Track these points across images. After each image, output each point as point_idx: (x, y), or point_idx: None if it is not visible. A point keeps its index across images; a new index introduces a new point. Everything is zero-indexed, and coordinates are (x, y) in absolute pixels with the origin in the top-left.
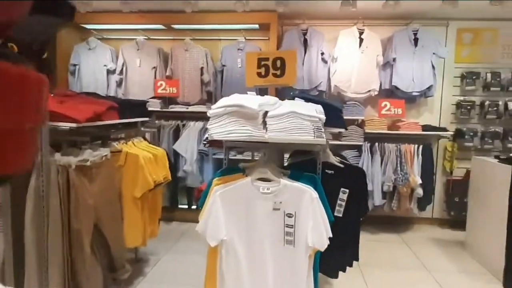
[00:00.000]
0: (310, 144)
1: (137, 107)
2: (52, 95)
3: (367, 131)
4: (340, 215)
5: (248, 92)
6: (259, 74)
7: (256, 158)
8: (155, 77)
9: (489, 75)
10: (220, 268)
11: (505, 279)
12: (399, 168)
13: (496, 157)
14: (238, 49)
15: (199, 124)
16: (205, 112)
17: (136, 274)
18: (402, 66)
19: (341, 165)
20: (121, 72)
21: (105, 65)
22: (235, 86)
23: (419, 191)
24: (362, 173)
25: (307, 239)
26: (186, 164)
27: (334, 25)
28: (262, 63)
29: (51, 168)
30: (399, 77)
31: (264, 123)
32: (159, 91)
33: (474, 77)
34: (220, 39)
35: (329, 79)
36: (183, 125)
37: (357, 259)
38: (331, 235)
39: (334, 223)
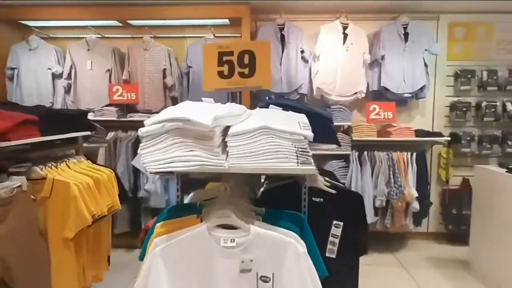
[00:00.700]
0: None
1: (73, 119)
2: None
3: (354, 138)
4: (333, 256)
5: (203, 99)
6: (220, 74)
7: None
8: (109, 82)
9: (485, 74)
10: None
11: None
12: (392, 180)
13: (502, 165)
14: None
15: None
16: None
17: None
18: (392, 65)
19: (332, 191)
20: (69, 76)
21: (49, 68)
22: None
23: (415, 205)
24: (359, 200)
25: None
26: (148, 182)
27: (314, 19)
28: (225, 58)
29: None
30: (388, 77)
31: (225, 144)
32: (115, 97)
33: (469, 76)
34: (185, 37)
35: (310, 81)
36: None
37: None
38: None
39: (326, 266)
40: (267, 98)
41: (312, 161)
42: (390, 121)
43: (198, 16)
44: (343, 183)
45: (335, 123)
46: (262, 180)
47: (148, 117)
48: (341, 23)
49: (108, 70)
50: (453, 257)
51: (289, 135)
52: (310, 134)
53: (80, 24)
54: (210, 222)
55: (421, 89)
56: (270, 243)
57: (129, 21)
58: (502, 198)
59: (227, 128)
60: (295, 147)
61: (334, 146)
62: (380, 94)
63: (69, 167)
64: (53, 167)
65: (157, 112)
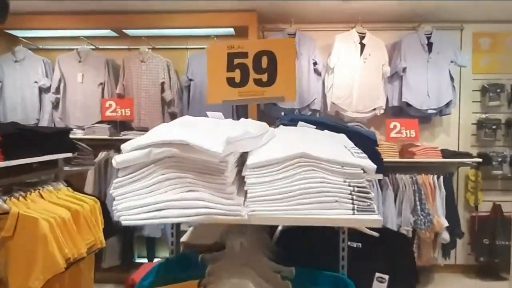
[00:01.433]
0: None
1: (51, 139)
2: None
3: None
4: None
5: (208, 114)
6: (230, 81)
7: None
8: (102, 96)
9: None
10: None
11: None
12: (418, 207)
13: None
14: None
15: None
16: None
17: None
18: (414, 78)
19: (374, 233)
20: (57, 90)
21: (35, 82)
22: (206, 105)
23: (445, 236)
24: (407, 244)
25: None
26: None
27: (327, 29)
28: (236, 61)
29: None
30: (411, 91)
31: (241, 180)
32: (108, 113)
33: (498, 90)
34: (186, 48)
35: (324, 95)
36: None
37: None
38: None
39: None
40: (283, 114)
41: (376, 206)
42: (412, 140)
43: (200, 24)
44: None
45: None
46: None
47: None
48: (358, 32)
49: (101, 83)
50: None
51: (339, 167)
52: (371, 165)
53: (72, 34)
54: None
55: (447, 104)
56: None
57: (125, 31)
58: None
59: (243, 155)
60: (349, 185)
61: (380, 175)
62: (400, 110)
63: (42, 196)
64: (20, 197)
65: None
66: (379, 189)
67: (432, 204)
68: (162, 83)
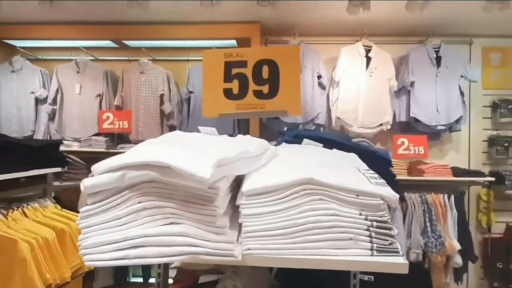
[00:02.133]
0: None
1: (40, 152)
2: None
3: None
4: None
5: (200, 129)
6: (227, 92)
7: None
8: (100, 108)
9: None
10: None
11: None
12: (429, 229)
13: None
14: None
15: None
16: None
17: None
18: (423, 93)
19: None
20: (54, 101)
21: (32, 92)
22: (206, 119)
23: (458, 260)
24: (425, 278)
25: None
26: None
27: (332, 42)
28: (234, 71)
29: None
30: (419, 107)
31: (235, 210)
32: (105, 125)
33: (509, 106)
34: (187, 60)
35: (328, 110)
36: None
37: None
38: None
39: None
40: (285, 128)
41: (399, 246)
42: (421, 157)
43: (202, 36)
44: None
45: None
46: None
47: None
48: (364, 45)
49: (99, 95)
50: None
51: (354, 196)
52: (393, 194)
53: (72, 44)
54: None
55: (457, 120)
56: None
57: (126, 42)
58: None
59: (239, 177)
60: (366, 218)
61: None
62: (408, 126)
63: (25, 214)
64: (1, 215)
65: None
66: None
67: (443, 225)
68: (161, 95)
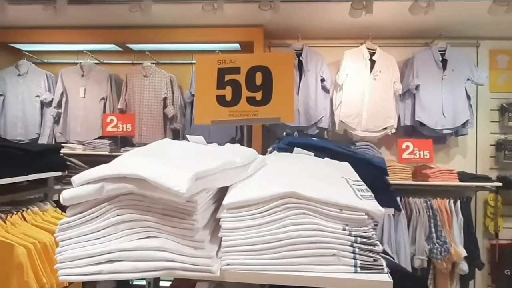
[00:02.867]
0: None
1: (40, 156)
2: None
3: None
4: None
5: (188, 138)
6: (220, 99)
7: None
8: (104, 111)
9: None
10: None
11: None
12: (434, 234)
13: None
14: None
15: None
16: None
17: None
18: (428, 96)
19: None
20: (58, 105)
21: (37, 96)
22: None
23: (464, 267)
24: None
25: None
26: None
27: (336, 45)
28: (227, 77)
29: None
30: (424, 110)
31: (216, 223)
32: (109, 129)
33: None
34: (191, 63)
35: (332, 113)
36: None
37: None
38: None
39: None
40: (284, 134)
41: (384, 263)
42: (426, 161)
43: (205, 39)
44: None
45: None
46: None
47: None
48: (368, 48)
49: (103, 98)
50: None
51: (338, 210)
52: (377, 209)
53: (77, 48)
54: None
55: (463, 124)
56: None
57: (129, 45)
58: None
59: (223, 191)
60: (349, 234)
61: (391, 210)
62: (413, 130)
63: (24, 219)
64: None
65: None
66: (391, 213)
67: (449, 231)
68: (165, 99)
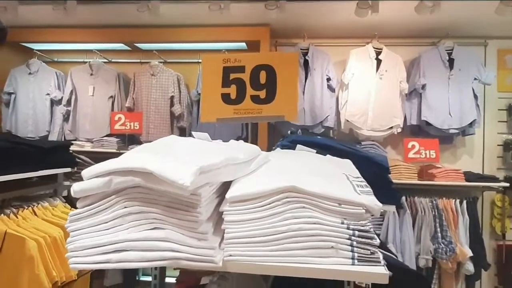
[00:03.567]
0: None
1: (49, 153)
2: None
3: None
4: None
5: (194, 134)
6: (225, 97)
7: None
8: (112, 109)
9: None
10: None
11: None
12: (439, 234)
13: None
14: None
15: None
16: None
17: None
18: (435, 95)
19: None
20: (68, 103)
21: (48, 94)
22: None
23: (469, 267)
24: (424, 285)
25: None
26: None
27: (342, 44)
28: (232, 76)
29: None
30: (430, 110)
31: (219, 216)
32: (117, 126)
33: None
34: (198, 62)
35: (338, 112)
36: None
37: None
38: None
39: None
40: (289, 132)
41: (381, 256)
42: (432, 161)
43: (212, 39)
44: (378, 235)
45: None
46: None
47: None
48: (374, 47)
49: (111, 96)
50: None
51: (336, 205)
52: (375, 204)
53: (86, 47)
54: None
55: (470, 124)
56: None
57: (138, 45)
58: None
59: (226, 185)
60: (348, 227)
61: (393, 207)
62: (419, 129)
63: (35, 213)
64: (11, 214)
65: None
66: (396, 213)
67: (455, 231)
68: (172, 97)
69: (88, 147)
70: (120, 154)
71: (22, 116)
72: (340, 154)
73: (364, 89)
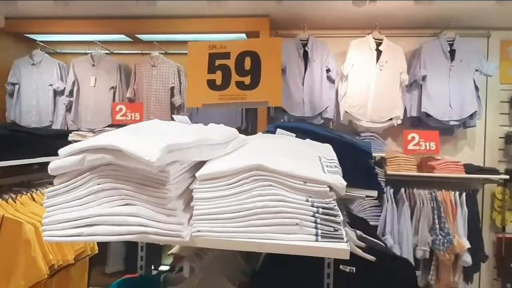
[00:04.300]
0: None
1: (49, 141)
2: None
3: (389, 172)
4: None
5: (174, 118)
6: (211, 83)
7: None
8: (113, 100)
9: None
10: None
11: None
12: (437, 226)
13: None
14: None
15: None
16: None
17: None
18: (435, 87)
19: (370, 257)
20: (70, 94)
21: (50, 84)
22: (216, 112)
23: (467, 259)
24: (410, 273)
25: None
26: None
27: (342, 35)
28: (218, 62)
29: None
30: (431, 101)
31: (191, 195)
32: (118, 117)
33: None
34: None
35: (337, 104)
36: None
37: None
38: None
39: None
40: (282, 121)
41: (344, 232)
42: (432, 153)
43: (212, 30)
44: (376, 227)
45: None
46: None
47: None
48: (374, 38)
49: (113, 87)
50: None
51: (302, 183)
52: (340, 183)
53: (88, 38)
54: None
55: (471, 116)
56: None
57: (138, 36)
58: None
59: (201, 165)
60: (312, 205)
61: (375, 192)
62: (419, 121)
63: (33, 199)
64: (10, 199)
65: None
66: (395, 204)
67: (453, 223)
68: (172, 88)
69: (90, 137)
70: None
71: (25, 106)
72: (322, 140)
73: (363, 80)
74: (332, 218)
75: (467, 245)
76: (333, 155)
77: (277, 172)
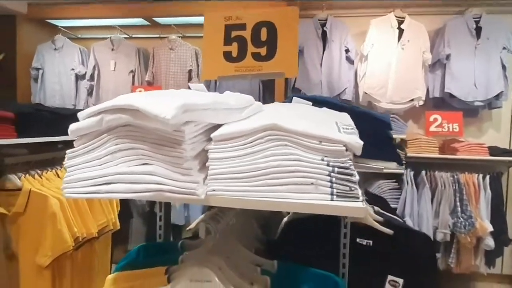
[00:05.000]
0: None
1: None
2: None
3: (410, 154)
4: None
5: (190, 85)
6: (227, 55)
7: None
8: (132, 84)
9: None
10: None
11: None
12: (459, 209)
13: None
14: None
15: None
16: None
17: None
18: (459, 66)
19: (388, 230)
20: (91, 78)
21: (72, 69)
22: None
23: (489, 243)
24: (428, 245)
25: None
26: None
27: (362, 15)
28: (234, 33)
29: None
30: (455, 81)
31: (206, 155)
32: None
33: None
34: None
35: (356, 85)
36: None
37: None
38: None
39: None
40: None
41: (360, 192)
42: (455, 134)
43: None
44: (395, 209)
45: None
46: None
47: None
48: (396, 16)
49: (132, 71)
50: None
51: (317, 142)
52: (356, 142)
53: (107, 23)
54: (178, 286)
55: (497, 96)
56: None
57: (156, 19)
58: None
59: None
60: (327, 164)
61: (393, 164)
62: (442, 102)
63: (58, 175)
64: (36, 175)
65: None
66: (415, 186)
67: (476, 206)
68: (190, 71)
69: None
70: None
71: (49, 91)
72: (339, 109)
73: (384, 60)
74: (348, 177)
75: (490, 228)
76: (350, 122)
77: (292, 132)
